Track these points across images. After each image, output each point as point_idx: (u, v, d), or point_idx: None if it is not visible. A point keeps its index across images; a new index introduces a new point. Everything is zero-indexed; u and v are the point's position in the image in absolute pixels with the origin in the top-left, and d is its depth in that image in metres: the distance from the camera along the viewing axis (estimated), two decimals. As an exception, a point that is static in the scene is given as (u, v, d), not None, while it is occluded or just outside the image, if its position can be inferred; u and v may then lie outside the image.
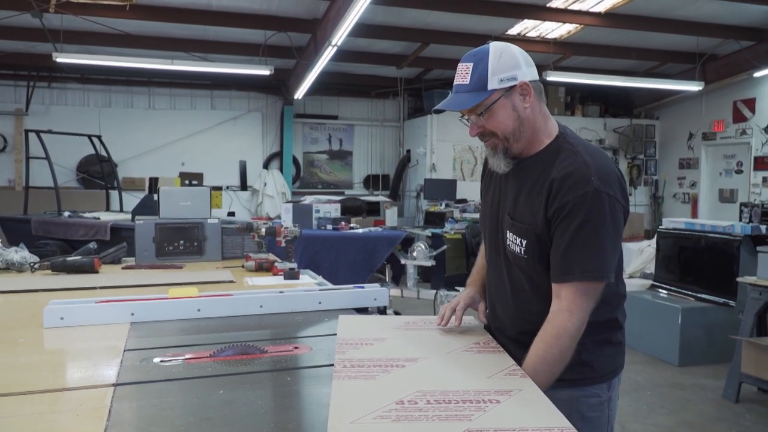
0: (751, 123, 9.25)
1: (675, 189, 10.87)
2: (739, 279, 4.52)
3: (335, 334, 1.68)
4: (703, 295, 5.16)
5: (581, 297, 1.44)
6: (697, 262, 5.32)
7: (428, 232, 8.16)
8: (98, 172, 8.79)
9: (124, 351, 1.60)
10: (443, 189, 9.54)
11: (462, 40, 7.99)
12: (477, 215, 7.85)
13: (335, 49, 6.53)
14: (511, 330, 1.66)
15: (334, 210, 6.86)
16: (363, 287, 2.22)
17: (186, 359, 1.52)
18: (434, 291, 5.82)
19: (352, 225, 6.73)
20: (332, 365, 1.42)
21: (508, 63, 1.49)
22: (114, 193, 8.09)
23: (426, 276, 7.47)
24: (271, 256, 3.19)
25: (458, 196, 9.45)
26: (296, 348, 1.64)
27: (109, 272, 3.00)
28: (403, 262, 6.28)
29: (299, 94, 9.34)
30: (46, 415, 1.20)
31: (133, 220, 5.20)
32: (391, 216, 8.01)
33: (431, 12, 7.19)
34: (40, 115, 9.44)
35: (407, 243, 6.73)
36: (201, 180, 10.04)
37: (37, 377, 1.40)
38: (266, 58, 7.83)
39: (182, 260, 3.34)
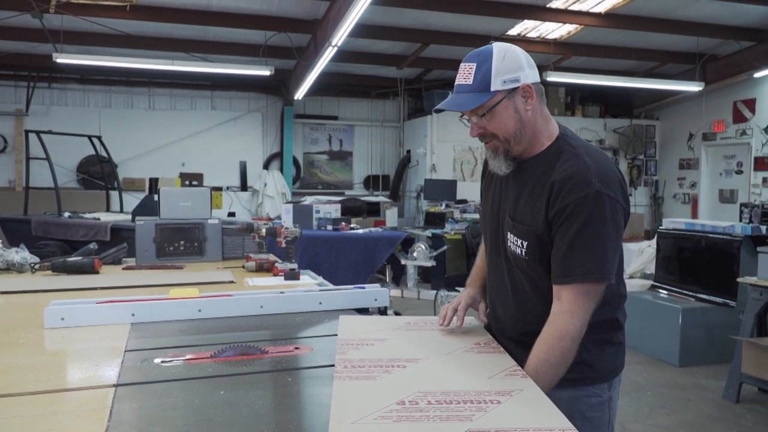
0: (751, 123, 9.26)
1: (675, 189, 10.88)
2: (739, 279, 4.52)
3: (336, 335, 1.68)
4: (704, 296, 5.16)
5: (582, 299, 1.44)
6: (698, 263, 5.32)
7: (428, 232, 8.17)
8: (98, 173, 8.80)
9: (125, 351, 1.60)
10: (443, 189, 9.54)
11: (462, 40, 8.00)
12: (477, 216, 7.85)
13: (335, 49, 6.53)
14: (512, 331, 1.66)
15: (334, 210, 6.85)
16: (363, 288, 2.22)
17: (187, 360, 1.52)
18: (435, 291, 5.81)
19: (352, 225, 6.73)
20: (333, 366, 1.42)
21: (511, 64, 1.48)
22: (114, 194, 8.08)
23: (426, 276, 7.47)
24: (272, 257, 3.19)
25: (458, 197, 9.46)
26: (297, 348, 1.64)
27: (110, 273, 3.00)
28: (403, 262, 6.27)
29: (299, 94, 9.35)
30: (47, 416, 1.20)
31: (133, 220, 5.20)
32: (391, 216, 8.00)
33: (431, 12, 7.20)
34: (40, 116, 9.44)
35: (407, 243, 6.72)
36: (201, 180, 10.05)
37: (38, 378, 1.40)
38: (266, 59, 7.83)
39: (183, 261, 3.34)
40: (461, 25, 7.71)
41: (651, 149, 11.12)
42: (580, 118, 10.75)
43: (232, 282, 2.74)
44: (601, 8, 7.13)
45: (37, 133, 6.68)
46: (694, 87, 8.88)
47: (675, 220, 5.87)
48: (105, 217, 6.04)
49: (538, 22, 7.67)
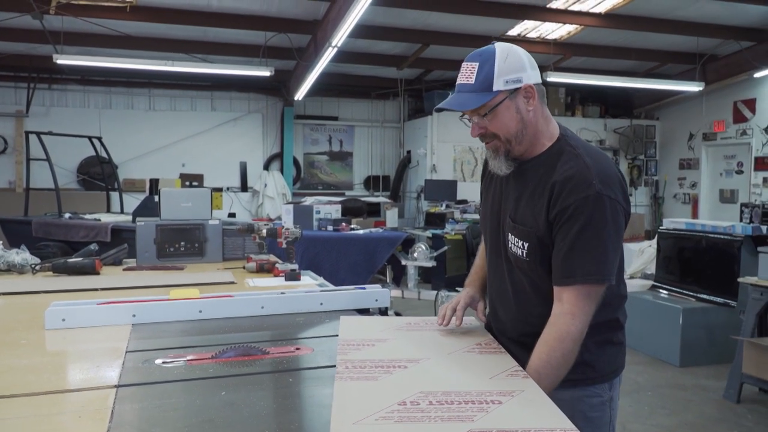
0: (751, 123, 9.26)
1: (675, 189, 10.88)
2: (740, 279, 4.51)
3: (337, 335, 1.68)
4: (704, 296, 5.16)
5: (583, 300, 1.44)
6: (698, 263, 5.31)
7: (429, 232, 8.17)
8: (99, 174, 8.80)
9: (126, 352, 1.60)
10: (444, 190, 9.54)
11: (462, 41, 8.00)
12: (477, 216, 7.85)
13: (335, 50, 6.54)
14: (513, 332, 1.66)
15: (334, 211, 6.85)
16: (364, 288, 2.22)
17: (188, 360, 1.52)
18: (435, 292, 5.82)
19: (352, 226, 6.73)
20: (334, 366, 1.41)
21: (514, 65, 1.48)
22: (114, 195, 8.08)
23: (427, 277, 7.47)
24: (272, 258, 3.19)
25: (459, 197, 9.46)
26: (298, 349, 1.64)
27: (111, 274, 3.00)
28: (403, 263, 6.27)
29: (299, 95, 9.35)
30: (49, 417, 1.20)
31: (133, 221, 5.20)
32: (391, 217, 8.01)
33: (431, 13, 7.20)
34: (40, 117, 9.45)
35: (408, 244, 6.72)
36: (201, 181, 9.99)
37: (39, 379, 1.40)
38: (266, 60, 7.84)
39: (183, 261, 3.34)
40: (461, 26, 7.71)
41: (651, 149, 11.12)
42: (580, 119, 10.75)
43: (232, 283, 2.74)
44: (601, 8, 7.13)
45: (38, 134, 6.68)
46: (694, 87, 8.88)
47: (675, 220, 5.87)
48: (105, 218, 6.04)
49: (538, 23, 7.67)
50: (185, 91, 10.26)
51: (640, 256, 6.37)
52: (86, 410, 1.22)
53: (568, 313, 1.44)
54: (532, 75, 1.50)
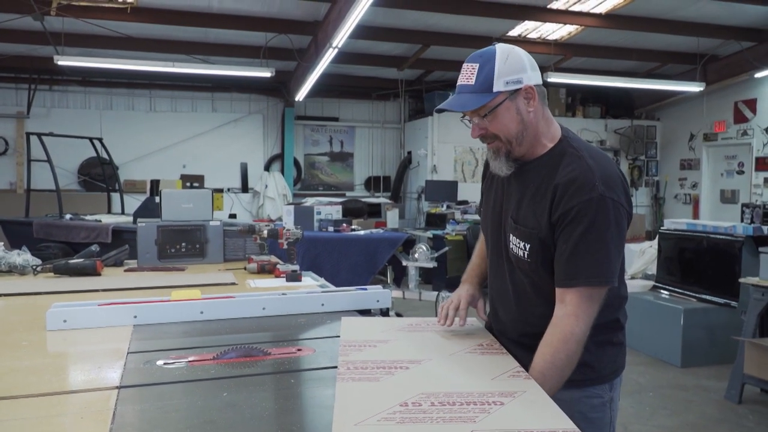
0: (752, 124, 9.26)
1: (676, 190, 10.87)
2: (741, 280, 4.51)
3: (338, 336, 1.68)
4: (706, 296, 5.15)
5: (586, 302, 1.44)
6: (699, 263, 5.31)
7: (429, 233, 8.17)
8: (99, 175, 8.80)
9: (128, 353, 1.59)
10: (444, 190, 9.54)
11: (463, 41, 8.00)
12: (478, 217, 7.84)
13: (336, 51, 6.54)
14: (514, 332, 1.66)
15: (335, 212, 6.85)
16: (366, 289, 2.22)
17: (189, 362, 1.52)
18: (436, 292, 5.82)
19: (353, 227, 6.73)
20: (336, 367, 1.42)
21: (514, 66, 1.48)
22: (115, 196, 8.10)
23: (427, 277, 7.47)
24: (273, 258, 3.19)
25: (459, 198, 9.45)
26: (299, 350, 1.64)
27: (112, 275, 3.00)
28: (404, 263, 6.27)
29: (300, 96, 9.35)
30: (50, 418, 1.20)
31: (134, 222, 5.20)
32: (392, 218, 8.01)
33: (432, 14, 7.20)
34: (41, 118, 9.46)
35: (409, 245, 6.72)
36: (202, 182, 10.00)
37: (40, 380, 1.40)
38: (267, 61, 7.85)
39: (184, 262, 3.34)
40: (462, 27, 7.72)
41: (652, 150, 11.12)
42: (581, 119, 10.75)
43: (233, 284, 2.74)
44: (602, 9, 7.14)
45: (39, 135, 6.69)
46: (694, 87, 8.88)
47: (676, 221, 5.87)
48: (106, 219, 6.05)
49: (538, 23, 7.67)
50: (186, 92, 10.27)
51: (641, 257, 6.37)
52: (88, 411, 1.22)
53: (571, 314, 1.44)
54: (532, 76, 1.50)
